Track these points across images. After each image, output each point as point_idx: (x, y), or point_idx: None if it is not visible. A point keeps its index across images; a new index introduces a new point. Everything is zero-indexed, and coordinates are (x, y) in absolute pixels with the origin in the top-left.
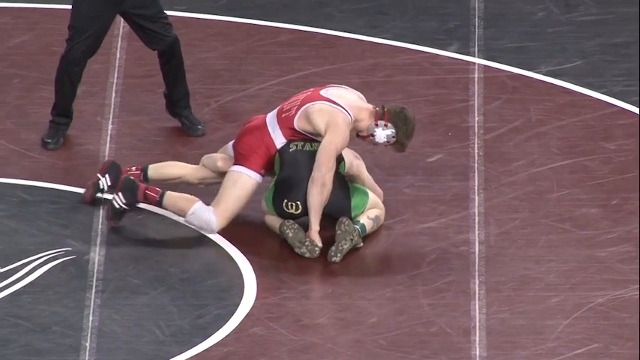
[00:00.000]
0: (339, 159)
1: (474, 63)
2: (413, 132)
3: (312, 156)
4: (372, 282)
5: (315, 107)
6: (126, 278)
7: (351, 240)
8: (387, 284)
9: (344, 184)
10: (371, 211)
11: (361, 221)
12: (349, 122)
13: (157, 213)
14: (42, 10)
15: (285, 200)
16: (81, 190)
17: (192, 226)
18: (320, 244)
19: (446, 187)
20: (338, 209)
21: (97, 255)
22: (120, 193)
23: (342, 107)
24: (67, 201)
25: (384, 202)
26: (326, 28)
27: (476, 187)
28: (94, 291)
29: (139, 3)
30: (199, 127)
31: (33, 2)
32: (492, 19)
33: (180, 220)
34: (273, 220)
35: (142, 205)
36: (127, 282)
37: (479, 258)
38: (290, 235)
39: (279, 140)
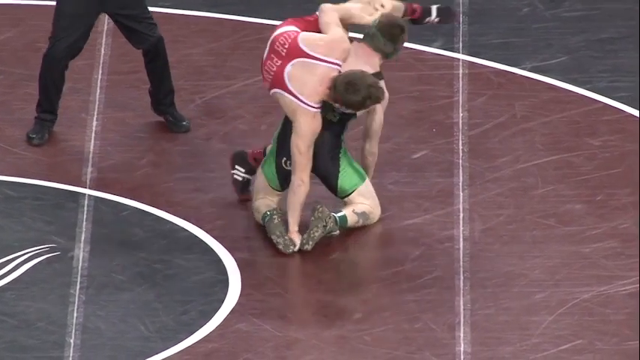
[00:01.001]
0: (346, 120)
1: (459, 59)
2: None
3: None
4: (357, 278)
5: (280, 100)
6: (110, 275)
7: (324, 227)
8: (371, 280)
9: (335, 161)
10: (360, 205)
11: (344, 212)
12: (312, 114)
13: (142, 209)
14: (27, 7)
15: (284, 158)
16: (65, 187)
17: None
18: (297, 243)
19: (431, 183)
20: (324, 176)
21: (81, 251)
22: (237, 167)
23: (303, 102)
24: (52, 197)
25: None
26: None
27: (460, 184)
28: (78, 287)
29: (124, 3)
30: (184, 123)
31: None
32: (477, 15)
33: (166, 216)
34: (261, 205)
35: (126, 202)
36: (111, 278)
37: (463, 254)
38: (273, 222)
39: None
